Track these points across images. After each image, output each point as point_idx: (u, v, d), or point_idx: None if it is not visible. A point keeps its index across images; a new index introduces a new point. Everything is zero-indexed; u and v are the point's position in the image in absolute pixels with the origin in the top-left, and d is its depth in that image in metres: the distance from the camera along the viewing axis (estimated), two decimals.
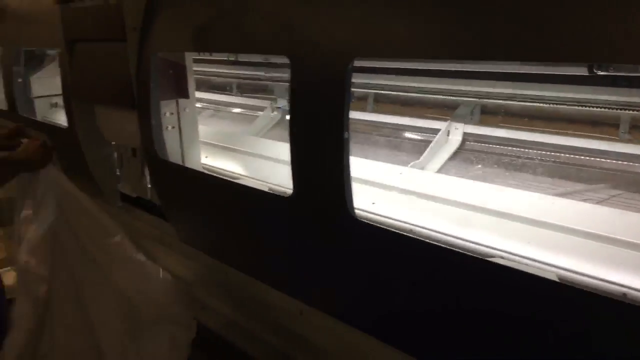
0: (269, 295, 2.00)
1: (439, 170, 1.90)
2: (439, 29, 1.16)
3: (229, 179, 1.96)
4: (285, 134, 2.60)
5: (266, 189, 1.85)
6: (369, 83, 2.29)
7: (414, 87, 2.15)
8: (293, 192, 1.52)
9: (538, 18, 0.99)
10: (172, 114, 2.09)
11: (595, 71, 1.33)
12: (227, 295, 2.33)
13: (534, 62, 1.06)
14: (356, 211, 1.41)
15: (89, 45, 2.25)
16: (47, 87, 3.45)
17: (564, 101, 1.75)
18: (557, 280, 1.19)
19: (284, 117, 2.73)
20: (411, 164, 1.94)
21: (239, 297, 2.28)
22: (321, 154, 1.40)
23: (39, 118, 3.28)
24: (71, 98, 2.46)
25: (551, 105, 1.78)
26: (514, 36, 1.03)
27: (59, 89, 3.48)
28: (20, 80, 3.11)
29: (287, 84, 2.68)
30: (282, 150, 2.33)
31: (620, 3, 0.91)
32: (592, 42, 0.92)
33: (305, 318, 1.88)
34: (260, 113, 2.84)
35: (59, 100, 3.57)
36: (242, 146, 2.49)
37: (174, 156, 2.09)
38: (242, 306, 2.30)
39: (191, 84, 2.09)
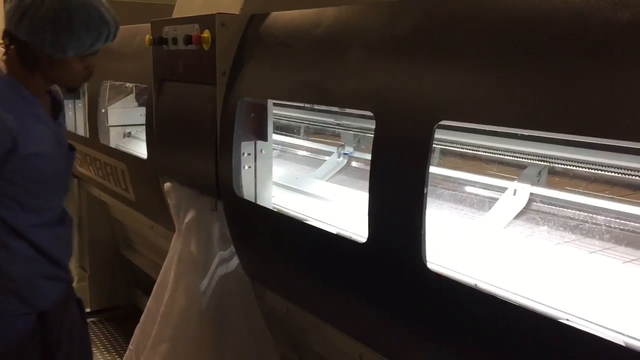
0: (328, 335, 2.07)
1: (505, 228, 1.96)
2: (526, 99, 1.24)
3: (300, 219, 2.07)
4: (350, 180, 2.74)
5: (334, 232, 1.94)
6: (438, 138, 2.37)
7: (482, 145, 2.22)
8: (368, 239, 1.60)
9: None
10: (249, 154, 2.22)
11: None
12: (285, 333, 2.41)
13: (620, 140, 1.13)
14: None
15: (177, 84, 2.41)
16: (122, 117, 3.68)
17: (632, 170, 1.80)
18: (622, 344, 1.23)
19: (350, 163, 2.84)
20: (477, 219, 2.00)
21: (298, 335, 2.36)
22: (400, 206, 1.49)
23: (112, 145, 3.48)
24: (154, 131, 2.62)
25: (620, 175, 1.83)
26: (600, 114, 1.11)
27: (132, 120, 3.72)
28: (103, 110, 3.33)
29: (356, 131, 2.80)
30: (348, 195, 2.43)
31: None
32: None
33: None
34: (325, 157, 2.96)
35: (132, 130, 3.79)
36: (307, 188, 2.60)
37: (247, 194, 2.21)
38: (300, 345, 2.37)
39: (270, 128, 2.23)
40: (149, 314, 2.53)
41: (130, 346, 2.66)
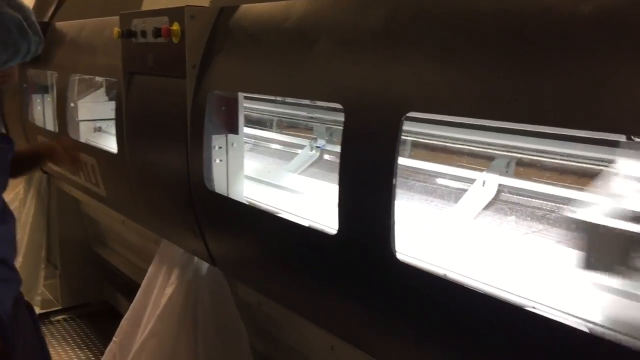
0: (300, 327, 2.08)
1: (474, 219, 1.98)
2: (493, 91, 1.26)
3: (272, 212, 2.07)
4: (323, 172, 2.75)
5: (306, 225, 1.95)
6: (408, 130, 2.39)
7: (451, 137, 2.24)
8: (338, 231, 1.61)
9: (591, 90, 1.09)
10: (220, 147, 2.21)
11: (632, 138, 1.41)
12: (257, 326, 2.41)
13: (582, 130, 1.15)
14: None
15: (147, 78, 2.39)
16: (91, 112, 3.63)
17: (597, 161, 1.83)
18: (587, 331, 1.26)
19: (322, 156, 2.84)
20: (447, 210, 2.02)
21: (270, 328, 2.36)
22: (369, 198, 1.50)
23: (82, 140, 3.44)
24: (124, 126, 2.59)
25: (586, 165, 1.86)
26: (565, 105, 1.13)
27: (102, 114, 3.67)
28: (73, 104, 3.28)
29: (329, 124, 2.81)
30: (320, 188, 2.43)
31: None
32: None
33: (336, 353, 1.95)
34: (298, 151, 2.96)
35: (102, 125, 3.74)
36: (280, 181, 2.60)
37: (219, 187, 2.20)
38: (272, 337, 2.37)
39: (241, 121, 2.22)
40: (137, 307, 2.52)
41: (114, 338, 2.63)
